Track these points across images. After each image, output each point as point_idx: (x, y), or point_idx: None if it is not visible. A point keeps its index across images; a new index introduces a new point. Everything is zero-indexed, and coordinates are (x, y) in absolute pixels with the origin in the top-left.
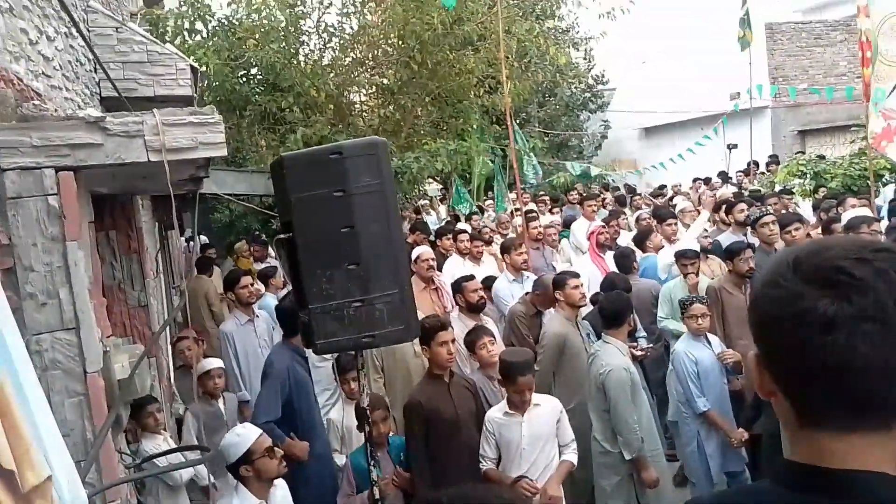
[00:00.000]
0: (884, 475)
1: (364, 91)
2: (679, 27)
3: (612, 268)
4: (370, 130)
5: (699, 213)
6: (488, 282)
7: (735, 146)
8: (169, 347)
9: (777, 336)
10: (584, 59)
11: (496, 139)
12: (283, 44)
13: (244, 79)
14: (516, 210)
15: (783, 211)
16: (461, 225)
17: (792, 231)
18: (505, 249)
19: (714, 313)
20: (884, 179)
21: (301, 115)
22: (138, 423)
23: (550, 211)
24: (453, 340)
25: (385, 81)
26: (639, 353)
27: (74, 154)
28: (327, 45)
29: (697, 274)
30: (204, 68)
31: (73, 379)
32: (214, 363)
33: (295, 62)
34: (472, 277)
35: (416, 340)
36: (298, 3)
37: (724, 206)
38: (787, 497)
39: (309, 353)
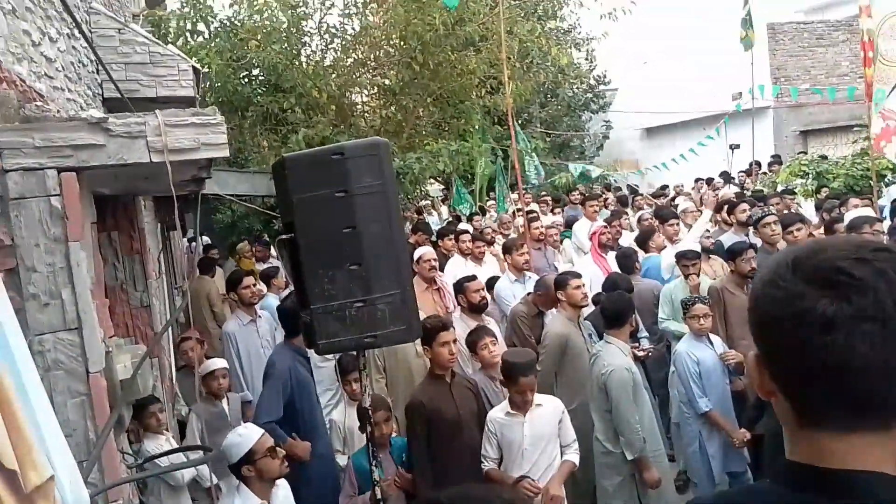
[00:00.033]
0: (884, 475)
1: (366, 92)
2: (681, 27)
3: (614, 268)
4: (372, 131)
5: (701, 213)
6: (492, 282)
7: (737, 146)
8: (171, 348)
9: (777, 336)
10: (586, 59)
11: (498, 140)
12: (285, 45)
13: (246, 80)
14: (518, 210)
15: (785, 211)
16: (463, 225)
17: (794, 231)
18: (507, 250)
19: (716, 314)
20: (886, 179)
21: (303, 115)
22: (140, 424)
23: (552, 211)
24: (455, 341)
25: (387, 82)
26: (641, 353)
27: (77, 155)
28: (329, 46)
29: (698, 275)
30: (206, 69)
31: (76, 379)
32: (219, 363)
33: (297, 63)
34: (473, 278)
35: (418, 341)
36: (300, 4)
37: (726, 207)
38: (787, 497)
39: (311, 353)
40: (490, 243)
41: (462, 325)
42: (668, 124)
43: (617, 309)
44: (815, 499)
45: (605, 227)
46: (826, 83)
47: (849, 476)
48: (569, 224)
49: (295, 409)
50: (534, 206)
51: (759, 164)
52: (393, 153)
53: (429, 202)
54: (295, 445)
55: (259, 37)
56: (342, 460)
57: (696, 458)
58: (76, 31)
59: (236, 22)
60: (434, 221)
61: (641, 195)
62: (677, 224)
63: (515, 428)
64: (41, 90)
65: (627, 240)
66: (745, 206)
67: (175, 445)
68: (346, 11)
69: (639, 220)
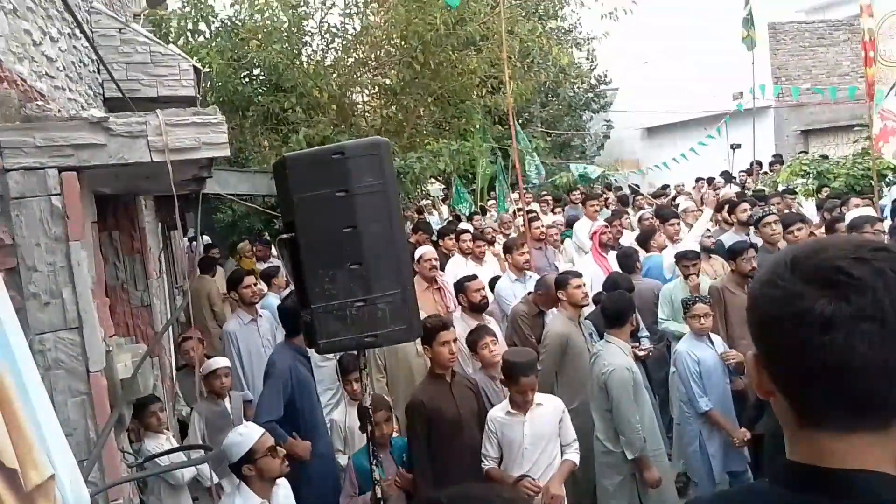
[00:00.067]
0: (884, 475)
1: (366, 91)
2: (681, 27)
3: (615, 267)
4: (373, 131)
5: (702, 212)
6: (494, 282)
7: (738, 146)
8: (172, 347)
9: (776, 336)
10: (587, 59)
11: (498, 139)
12: (286, 44)
13: (247, 79)
14: (518, 210)
15: (786, 211)
16: (464, 225)
17: (795, 231)
18: (507, 249)
19: (717, 313)
20: (887, 179)
21: (304, 115)
22: (141, 423)
23: (553, 211)
24: (455, 340)
25: (387, 82)
26: (641, 353)
27: (78, 154)
28: (330, 46)
29: (698, 275)
30: (207, 69)
31: (76, 378)
32: (221, 362)
33: (298, 63)
34: (474, 277)
35: (419, 340)
36: (301, 3)
37: (726, 206)
38: (786, 497)
39: (311, 352)
40: (491, 243)
41: (462, 325)
42: (668, 124)
43: (617, 308)
44: (815, 499)
45: (606, 226)
46: (827, 83)
47: (849, 476)
48: (569, 223)
49: (295, 408)
50: (534, 206)
51: (759, 163)
52: (393, 153)
53: (429, 202)
54: (295, 445)
55: (260, 36)
56: (343, 460)
57: (696, 457)
58: (77, 31)
59: (237, 21)
60: (435, 221)
61: (642, 195)
62: (678, 224)
63: (516, 427)
64: (42, 90)
65: (628, 239)
66: (745, 205)
67: (175, 445)
68: (347, 11)
69: (639, 220)
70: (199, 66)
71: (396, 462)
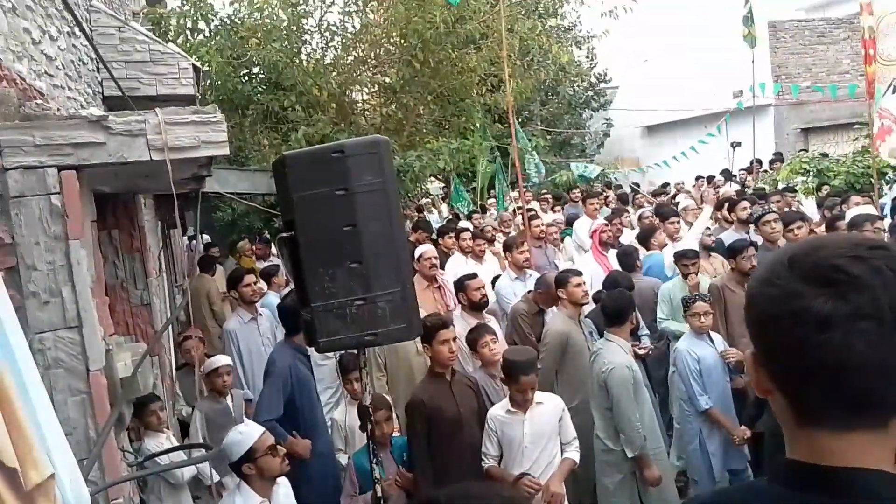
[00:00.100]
0: (883, 473)
1: (366, 90)
2: (681, 25)
3: (615, 266)
4: (372, 129)
5: (702, 210)
6: (496, 281)
7: (739, 144)
8: (171, 346)
9: (773, 335)
10: (587, 57)
11: (498, 138)
12: (286, 43)
13: (246, 78)
14: (518, 208)
15: (786, 209)
16: (463, 223)
17: (795, 229)
18: (507, 248)
19: (717, 311)
20: (887, 177)
21: (303, 113)
22: (141, 422)
23: (552, 209)
24: (455, 339)
25: (387, 80)
26: (641, 351)
27: (77, 153)
28: (329, 44)
29: (697, 274)
30: (206, 67)
31: (76, 377)
32: (223, 360)
33: (297, 61)
34: (474, 276)
35: (419, 339)
36: (300, 2)
37: (726, 204)
38: (786, 495)
39: (311, 351)
40: (490, 241)
41: (462, 323)
42: (668, 122)
43: (617, 307)
44: (814, 497)
45: (606, 224)
46: (827, 81)
47: (849, 474)
48: (569, 222)
49: (295, 407)
50: (534, 205)
51: (759, 161)
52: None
53: (429, 200)
54: (295, 443)
55: (259, 35)
56: (344, 459)
57: (696, 455)
58: (76, 30)
59: (236, 20)
60: (434, 220)
61: (641, 193)
62: (678, 222)
63: (516, 426)
64: (41, 88)
65: (628, 238)
66: (745, 203)
67: (175, 444)
68: (347, 9)
69: (639, 218)
70: (198, 64)
71: (397, 461)
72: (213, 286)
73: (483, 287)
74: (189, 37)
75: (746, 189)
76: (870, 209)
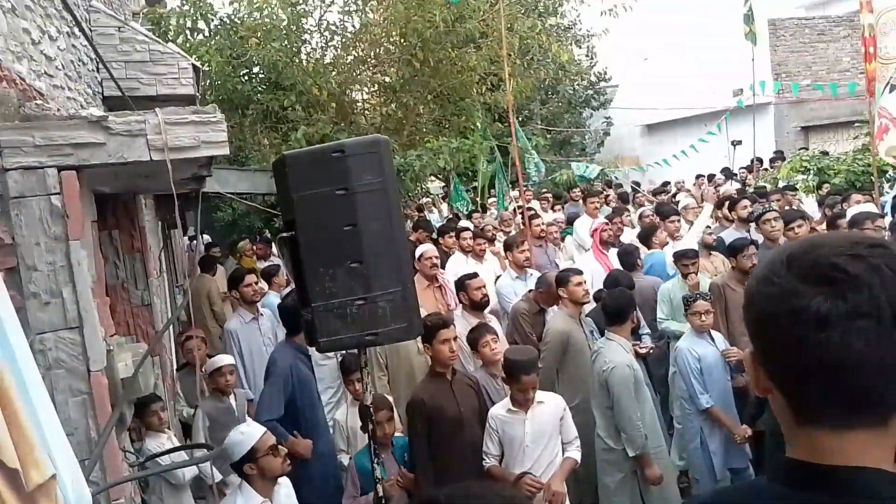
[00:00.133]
0: (883, 472)
1: (366, 89)
2: (681, 23)
3: (616, 265)
4: (372, 129)
5: (702, 209)
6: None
7: (739, 142)
8: (172, 346)
9: (772, 334)
10: (587, 56)
11: (498, 137)
12: (285, 42)
13: (246, 77)
14: (518, 207)
15: (786, 208)
16: (464, 223)
17: (795, 228)
18: (508, 247)
19: (717, 310)
20: (888, 175)
21: (303, 113)
22: (142, 422)
23: (553, 208)
24: (455, 338)
25: (387, 79)
26: (643, 350)
27: (77, 153)
28: (329, 44)
29: (697, 274)
30: (206, 67)
31: (77, 378)
32: (226, 360)
33: (297, 61)
34: (475, 275)
35: (419, 338)
36: (300, 1)
37: (727, 203)
38: (786, 494)
39: (312, 351)
40: (491, 241)
41: (463, 323)
42: (668, 121)
43: (618, 306)
44: (814, 496)
45: (607, 223)
46: (827, 79)
47: (849, 473)
48: (570, 221)
49: (296, 407)
50: (534, 204)
51: (760, 160)
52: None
53: (429, 200)
54: (296, 443)
55: (259, 34)
56: (346, 460)
57: (697, 454)
58: (76, 30)
59: (236, 20)
60: (435, 219)
61: (641, 192)
62: (678, 221)
63: (517, 425)
64: (41, 88)
65: (629, 236)
66: (746, 202)
67: (177, 444)
68: (346, 9)
69: (640, 217)
70: (198, 64)
71: (398, 461)
72: (213, 286)
73: (484, 286)
74: (189, 37)
75: (747, 187)
76: (871, 207)
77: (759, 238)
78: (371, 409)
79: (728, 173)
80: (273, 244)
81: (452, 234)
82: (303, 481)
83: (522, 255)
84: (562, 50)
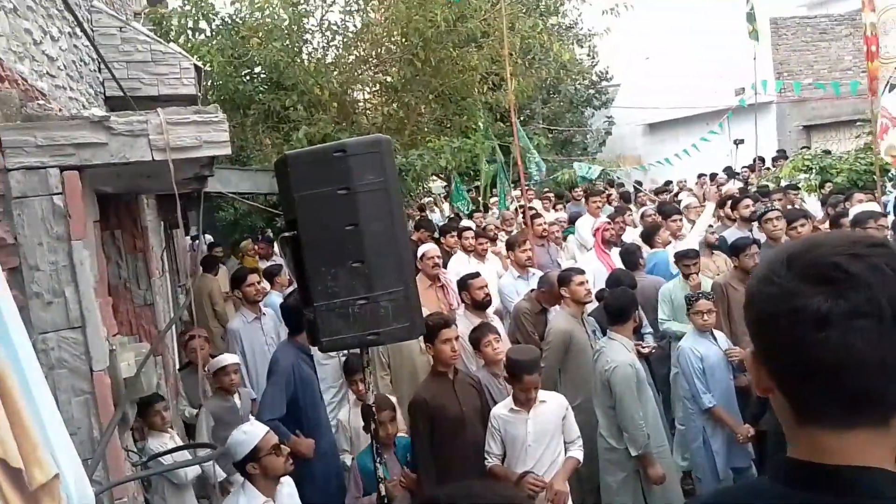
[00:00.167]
0: (886, 471)
1: (367, 89)
2: (683, 22)
3: (618, 264)
4: (374, 128)
5: (704, 208)
6: None
7: (741, 141)
8: (175, 346)
9: (772, 333)
10: (588, 55)
11: (499, 136)
12: (287, 42)
13: (248, 77)
14: (520, 207)
15: (789, 207)
16: (466, 222)
17: (798, 227)
18: (510, 246)
19: (720, 309)
20: (890, 174)
21: (305, 113)
22: (145, 422)
23: (554, 207)
24: (457, 338)
25: (388, 79)
26: (645, 349)
27: (79, 153)
28: (330, 44)
29: (698, 274)
30: (207, 67)
31: (80, 377)
32: (230, 359)
33: (298, 60)
34: (477, 275)
35: (422, 338)
36: (301, 1)
37: (729, 202)
38: (787, 494)
39: (314, 350)
40: (493, 240)
41: (466, 322)
42: (670, 120)
43: (620, 305)
44: (816, 496)
45: (609, 223)
46: (829, 78)
47: (851, 473)
48: (572, 220)
49: (298, 406)
50: (536, 203)
51: (762, 159)
52: (395, 150)
53: (431, 199)
54: (298, 443)
55: (260, 34)
56: (349, 461)
57: (700, 454)
58: (78, 30)
59: (238, 19)
60: (437, 219)
61: (643, 191)
62: (680, 220)
63: (519, 424)
64: (43, 89)
65: (631, 236)
66: (748, 201)
67: (179, 443)
68: (348, 8)
69: (642, 216)
70: (199, 64)
71: (400, 461)
72: (214, 286)
73: (486, 286)
74: (190, 37)
75: (749, 187)
76: (873, 206)
77: (762, 237)
78: (373, 409)
79: (730, 172)
80: (275, 244)
81: (454, 233)
82: (305, 481)
83: (524, 254)
84: (563, 49)
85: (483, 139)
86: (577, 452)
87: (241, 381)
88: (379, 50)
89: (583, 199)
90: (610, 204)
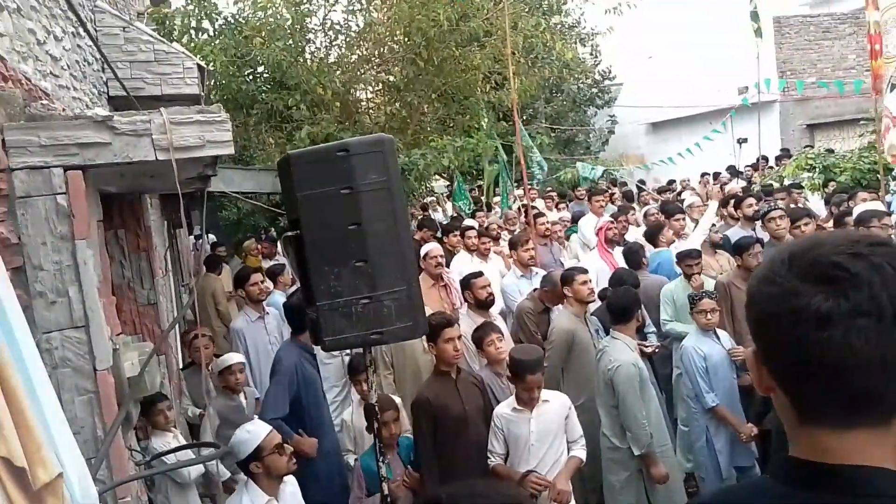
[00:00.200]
0: (886, 470)
1: (370, 88)
2: (686, 21)
3: (621, 263)
4: (376, 128)
5: (707, 207)
6: None
7: (745, 140)
8: (178, 345)
9: (773, 333)
10: (591, 54)
11: (502, 135)
12: (290, 42)
13: (251, 77)
14: (523, 206)
15: (792, 206)
16: (469, 221)
17: (801, 226)
18: (512, 245)
19: (723, 308)
20: (894, 173)
21: (307, 112)
22: (148, 421)
23: (557, 207)
24: (459, 337)
25: (391, 78)
26: (648, 349)
27: (83, 153)
28: (333, 43)
29: (700, 274)
30: (211, 67)
31: (83, 377)
32: (236, 358)
33: (301, 60)
34: (480, 274)
35: (425, 337)
36: (304, 1)
37: (732, 201)
38: (788, 493)
39: (317, 349)
40: (496, 239)
41: (468, 322)
42: (673, 119)
43: (623, 304)
44: (817, 495)
45: (612, 222)
46: (832, 76)
47: (853, 472)
48: (575, 219)
49: (301, 405)
50: (539, 202)
51: (765, 158)
52: (398, 149)
53: (433, 199)
54: (301, 442)
55: (263, 34)
56: (353, 461)
57: (703, 453)
58: (81, 30)
59: (241, 19)
60: (439, 218)
61: (646, 190)
62: (683, 219)
63: (522, 424)
64: (46, 89)
65: (634, 235)
66: (751, 200)
67: (183, 443)
68: (350, 8)
69: (645, 216)
70: (202, 64)
71: (404, 461)
72: (217, 285)
73: (489, 285)
74: (193, 36)
75: (752, 185)
76: (877, 205)
77: (765, 236)
78: (376, 409)
79: (733, 171)
80: (278, 243)
81: (457, 232)
82: (308, 480)
83: (527, 253)
84: (566, 48)
85: (486, 138)
86: (580, 452)
87: (246, 381)
88: (382, 49)
89: (586, 199)
90: (613, 203)
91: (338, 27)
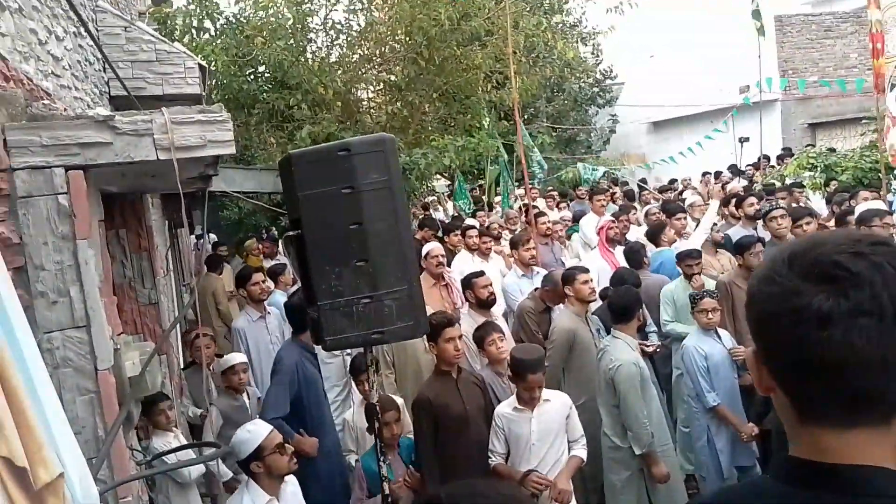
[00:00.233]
0: (886, 470)
1: (371, 88)
2: (687, 20)
3: (622, 263)
4: (378, 127)
5: (709, 206)
6: None
7: (747, 139)
8: (179, 345)
9: (774, 332)
10: (592, 53)
11: (503, 135)
12: (291, 41)
13: (252, 77)
14: (524, 205)
15: (794, 205)
16: (470, 221)
17: (803, 225)
18: (513, 245)
19: (724, 308)
20: (895, 173)
21: (309, 112)
22: (149, 421)
23: (558, 206)
24: (460, 336)
25: (392, 78)
26: (649, 348)
27: (84, 153)
28: (334, 43)
29: (700, 274)
30: (212, 66)
31: (85, 376)
32: (239, 358)
33: (302, 60)
34: (481, 273)
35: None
36: (305, 0)
37: (734, 200)
38: (788, 493)
39: (318, 349)
40: (497, 239)
41: (470, 321)
42: (675, 118)
43: (624, 304)
44: (818, 495)
45: (613, 221)
46: (834, 75)
47: (853, 472)
48: (576, 219)
49: (302, 405)
50: (540, 202)
51: (767, 157)
52: (399, 149)
53: (434, 198)
54: (302, 441)
55: (265, 33)
56: (355, 460)
57: (704, 452)
58: (82, 30)
59: (242, 19)
60: (440, 218)
61: (648, 190)
62: (685, 218)
63: (523, 423)
64: (48, 88)
65: (635, 234)
66: (752, 199)
67: (184, 442)
68: (352, 7)
69: (646, 215)
70: (204, 63)
71: (405, 461)
72: (218, 285)
73: (490, 285)
74: (195, 36)
75: (754, 185)
76: (879, 204)
77: (767, 235)
78: (377, 409)
79: (735, 170)
80: (279, 243)
81: (458, 232)
82: (309, 479)
83: (528, 253)
84: (567, 47)
85: (487, 138)
86: (581, 451)
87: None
88: (383, 49)
89: (587, 198)
90: (614, 202)
91: (339, 27)
